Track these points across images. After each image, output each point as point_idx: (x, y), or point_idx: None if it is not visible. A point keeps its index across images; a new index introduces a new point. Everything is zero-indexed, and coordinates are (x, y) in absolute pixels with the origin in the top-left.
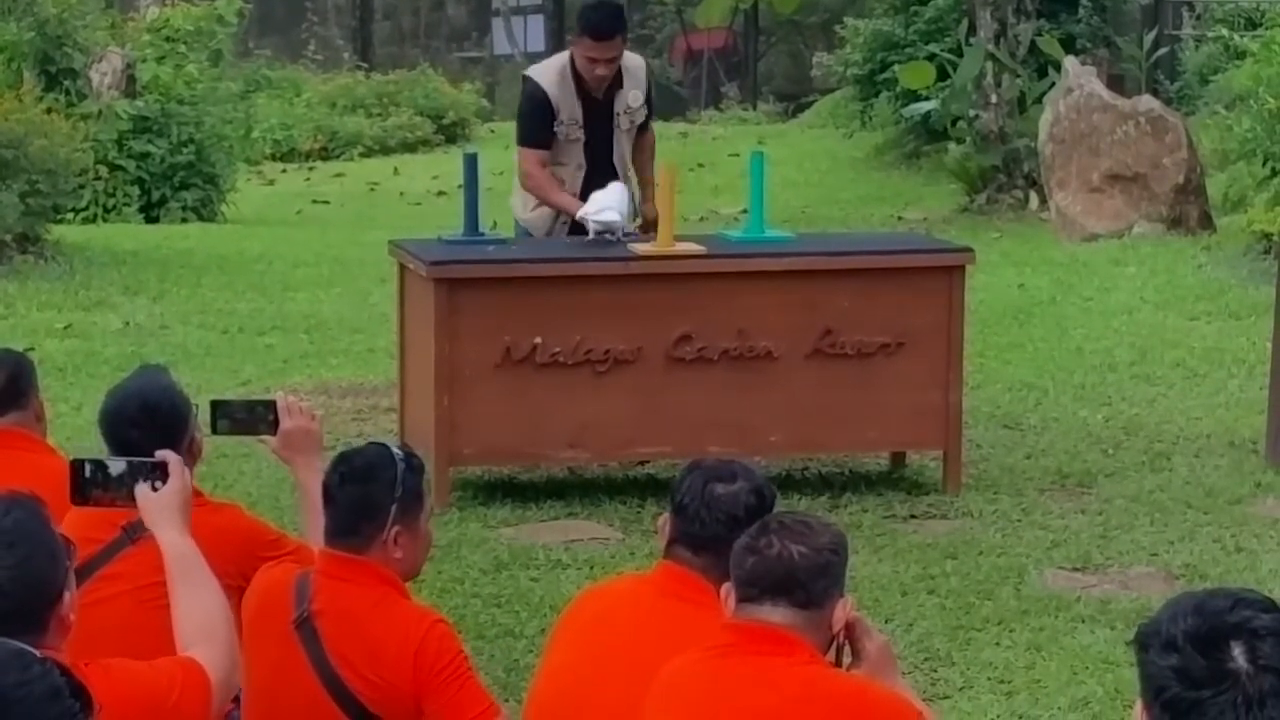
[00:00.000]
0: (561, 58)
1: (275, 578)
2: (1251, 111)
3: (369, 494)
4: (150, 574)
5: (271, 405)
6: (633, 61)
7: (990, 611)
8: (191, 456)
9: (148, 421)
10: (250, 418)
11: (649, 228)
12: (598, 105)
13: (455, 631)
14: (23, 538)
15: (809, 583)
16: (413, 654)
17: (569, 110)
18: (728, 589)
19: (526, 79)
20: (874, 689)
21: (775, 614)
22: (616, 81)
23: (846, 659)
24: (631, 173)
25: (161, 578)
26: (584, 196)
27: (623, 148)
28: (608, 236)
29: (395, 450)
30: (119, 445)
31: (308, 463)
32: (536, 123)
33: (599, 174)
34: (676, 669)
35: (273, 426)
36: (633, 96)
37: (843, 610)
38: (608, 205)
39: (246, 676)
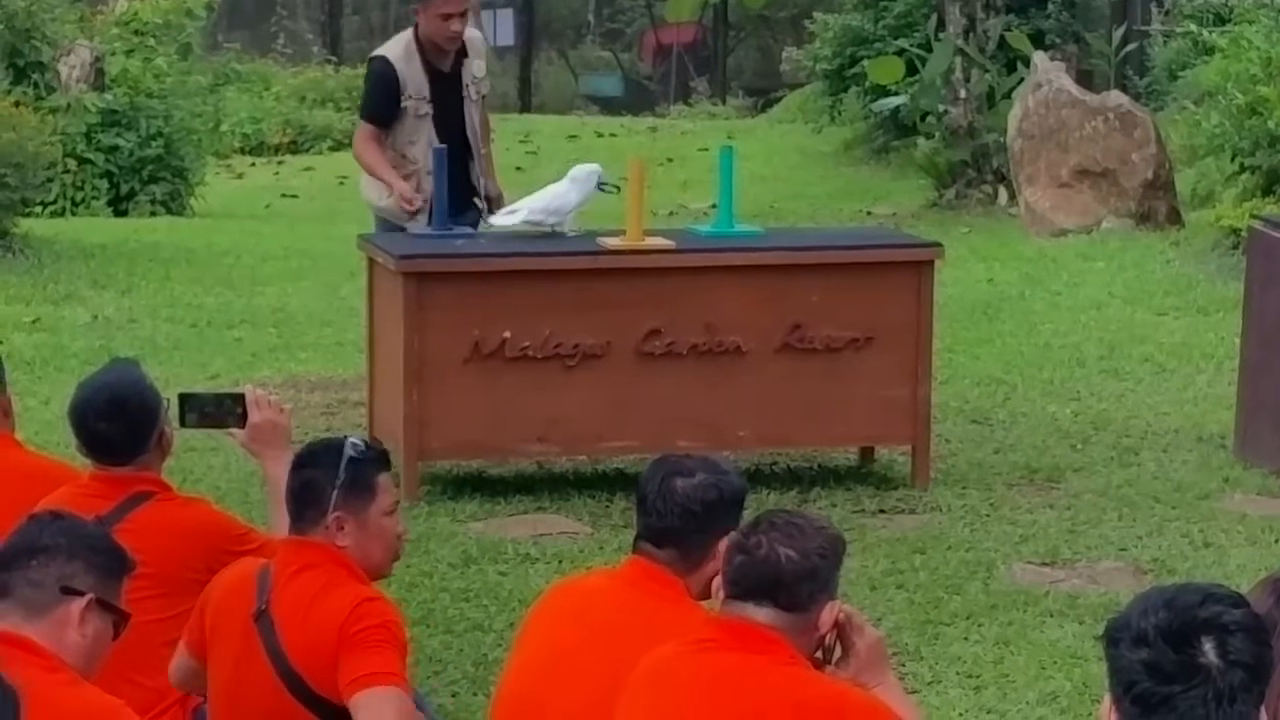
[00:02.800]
0: (406, 33)
1: (238, 573)
2: (1220, 107)
3: (311, 479)
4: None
5: (240, 398)
6: (473, 34)
7: (959, 606)
8: (161, 450)
9: (117, 415)
10: (219, 411)
11: (494, 206)
12: (445, 78)
13: (395, 610)
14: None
15: (794, 586)
16: (340, 623)
17: (416, 85)
18: (719, 583)
19: (373, 58)
20: (852, 693)
21: (759, 614)
22: (461, 51)
23: (836, 655)
24: (486, 150)
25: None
26: (461, 171)
27: (474, 120)
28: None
29: (353, 440)
30: (88, 438)
31: (276, 456)
32: (378, 97)
33: (452, 150)
34: (655, 661)
35: (241, 420)
36: (477, 67)
37: (830, 613)
38: (516, 208)
39: (211, 672)
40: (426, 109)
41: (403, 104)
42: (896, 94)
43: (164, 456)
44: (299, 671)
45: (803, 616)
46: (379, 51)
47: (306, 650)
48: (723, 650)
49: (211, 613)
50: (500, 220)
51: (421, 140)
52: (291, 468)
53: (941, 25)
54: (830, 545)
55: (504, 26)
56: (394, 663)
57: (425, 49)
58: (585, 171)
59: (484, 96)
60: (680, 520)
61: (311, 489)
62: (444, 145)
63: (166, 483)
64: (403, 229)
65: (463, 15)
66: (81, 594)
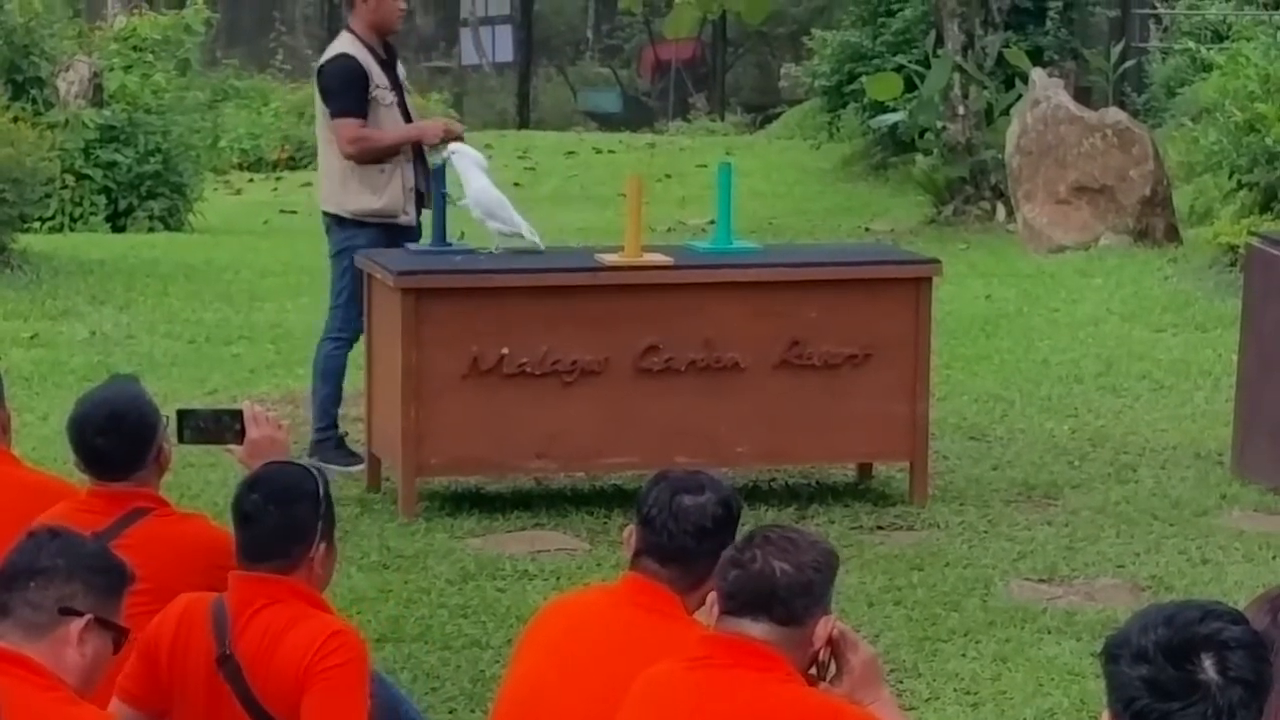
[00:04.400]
0: (343, 36)
1: (189, 608)
2: (1218, 124)
3: (297, 515)
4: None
5: (238, 414)
6: None
7: (956, 623)
8: (159, 466)
9: (116, 430)
10: (216, 427)
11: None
12: (389, 69)
13: (361, 642)
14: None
15: (790, 600)
16: (308, 659)
17: (378, 75)
18: (713, 599)
19: (330, 60)
20: (848, 710)
21: (755, 629)
22: (388, 44)
23: (830, 672)
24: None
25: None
26: (417, 161)
27: (412, 114)
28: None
29: (308, 465)
30: (86, 453)
31: None
32: (354, 90)
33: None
34: (651, 679)
35: (239, 436)
36: (400, 58)
37: (824, 628)
38: (514, 223)
39: (176, 714)
40: (391, 98)
41: (372, 94)
42: (895, 110)
43: (162, 473)
44: (273, 715)
45: (798, 631)
46: (332, 53)
47: (277, 690)
48: (718, 667)
49: (166, 660)
50: (535, 238)
51: (398, 127)
52: (259, 501)
53: (940, 42)
54: (824, 559)
55: (503, 42)
56: (356, 711)
57: (367, 44)
58: (467, 158)
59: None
60: (693, 539)
61: (299, 525)
62: (441, 164)
63: (164, 499)
64: (396, 226)
65: None
66: (80, 614)
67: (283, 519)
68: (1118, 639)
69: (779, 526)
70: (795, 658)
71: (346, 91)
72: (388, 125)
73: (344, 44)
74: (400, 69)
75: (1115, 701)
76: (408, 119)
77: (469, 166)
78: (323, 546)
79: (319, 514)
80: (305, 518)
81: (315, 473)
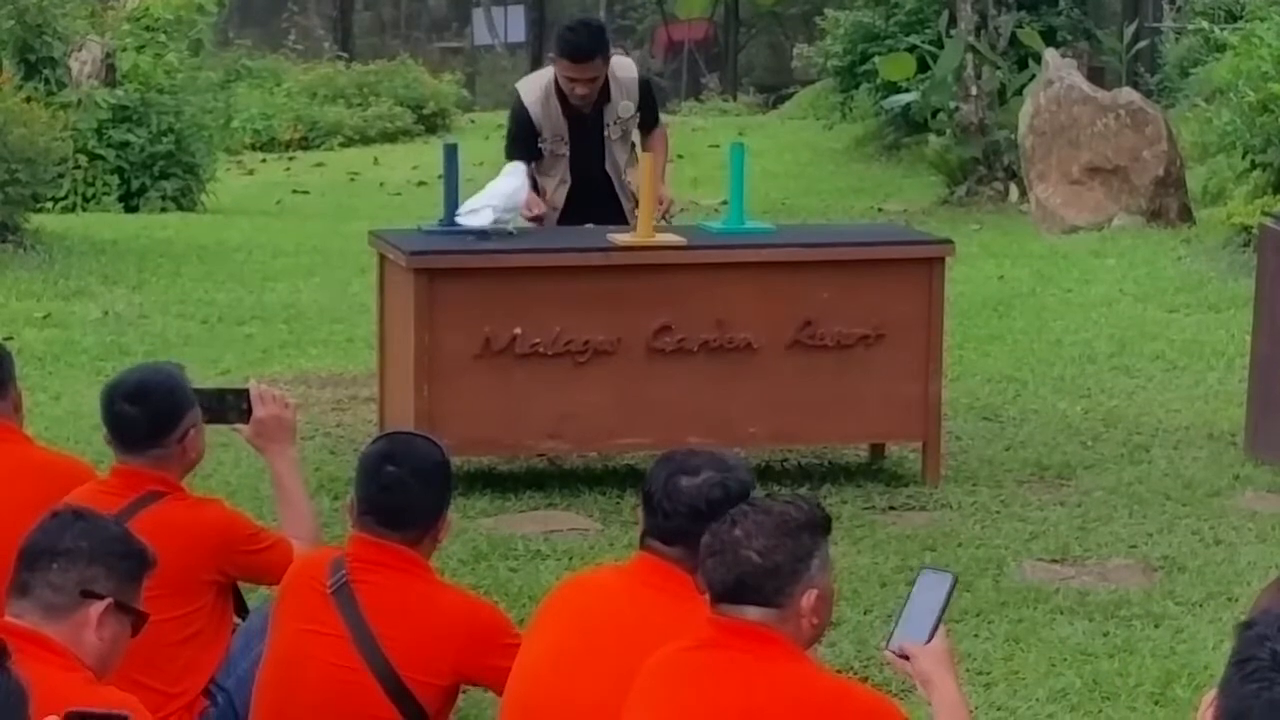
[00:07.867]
0: (547, 73)
1: (309, 558)
2: (1231, 104)
3: (437, 493)
4: None
5: (244, 393)
6: (624, 71)
7: (969, 603)
8: (183, 452)
9: (141, 400)
10: (220, 406)
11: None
12: (584, 119)
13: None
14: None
15: (761, 586)
16: (465, 635)
17: (552, 127)
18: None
19: (515, 93)
20: (855, 690)
21: (747, 613)
22: (604, 95)
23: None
24: (629, 178)
25: None
26: (566, 209)
27: (615, 155)
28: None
29: (433, 438)
30: (111, 420)
31: (281, 451)
32: (516, 140)
33: (585, 186)
34: (660, 661)
35: (245, 415)
36: (623, 107)
37: (809, 601)
38: (481, 205)
39: (268, 654)
40: (563, 150)
41: (539, 145)
42: (908, 91)
43: (187, 464)
44: (380, 644)
45: (784, 610)
46: (519, 89)
47: (400, 636)
48: (723, 648)
49: (279, 597)
50: (467, 220)
51: (555, 177)
52: (407, 473)
53: (953, 22)
54: (794, 536)
55: (515, 23)
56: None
57: (561, 85)
58: (517, 167)
59: (653, 121)
60: (688, 519)
61: (434, 502)
62: (454, 144)
63: (181, 486)
64: None
65: (589, 81)
66: (101, 597)
67: (421, 493)
68: (1261, 614)
69: (751, 504)
70: (792, 632)
71: (510, 139)
72: (546, 170)
73: (532, 84)
74: (615, 112)
75: (1232, 665)
76: (596, 164)
77: (505, 190)
78: (445, 523)
79: (450, 488)
80: (441, 497)
81: (447, 452)
